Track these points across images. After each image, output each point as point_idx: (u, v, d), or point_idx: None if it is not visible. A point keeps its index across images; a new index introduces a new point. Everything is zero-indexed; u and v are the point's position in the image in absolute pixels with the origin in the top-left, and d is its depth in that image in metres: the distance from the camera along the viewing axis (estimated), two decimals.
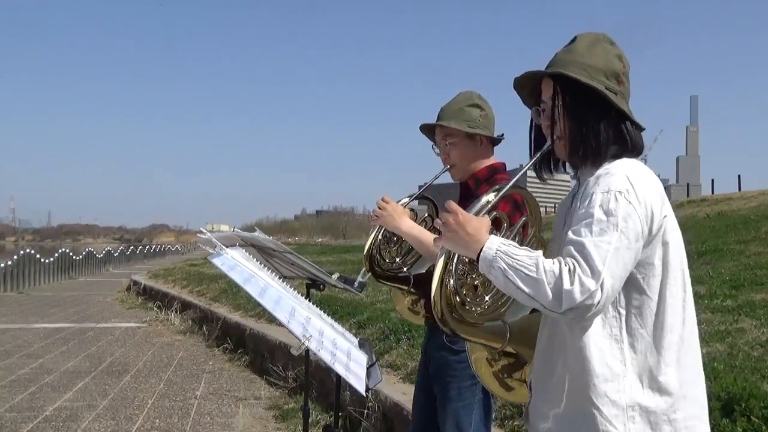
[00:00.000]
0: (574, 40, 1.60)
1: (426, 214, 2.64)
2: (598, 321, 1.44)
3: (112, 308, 13.61)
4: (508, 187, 1.60)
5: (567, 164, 1.66)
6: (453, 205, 1.51)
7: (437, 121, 2.46)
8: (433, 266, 1.54)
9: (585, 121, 1.53)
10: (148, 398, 6.01)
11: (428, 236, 2.34)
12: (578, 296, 1.32)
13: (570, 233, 1.41)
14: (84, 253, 27.81)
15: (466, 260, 1.54)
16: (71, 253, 25.78)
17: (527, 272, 1.37)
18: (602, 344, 1.44)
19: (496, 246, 1.43)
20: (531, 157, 1.67)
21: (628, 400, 1.42)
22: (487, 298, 1.61)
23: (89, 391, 6.25)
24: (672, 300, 1.47)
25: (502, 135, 2.50)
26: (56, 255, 23.32)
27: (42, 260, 21.47)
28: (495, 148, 2.53)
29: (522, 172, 1.65)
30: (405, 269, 2.55)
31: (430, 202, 2.70)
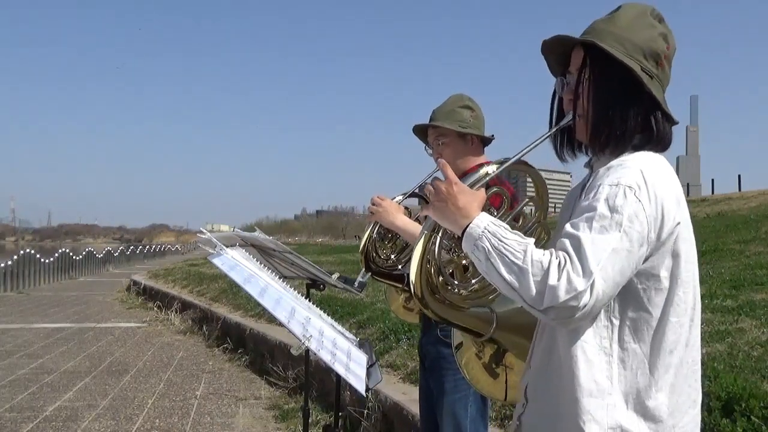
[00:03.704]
0: (618, 9, 1.42)
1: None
2: (590, 330, 1.30)
3: (112, 308, 13.61)
4: (512, 160, 1.44)
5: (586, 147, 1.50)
6: (450, 172, 1.37)
7: (430, 122, 2.54)
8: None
9: (612, 102, 1.36)
10: (148, 398, 6.01)
11: None
12: (562, 294, 1.18)
13: (568, 225, 1.27)
14: (84, 253, 27.80)
15: (454, 236, 1.38)
16: (71, 253, 25.77)
17: (513, 258, 1.23)
18: (592, 356, 1.30)
19: (485, 224, 1.29)
20: (549, 131, 1.50)
21: (610, 420, 1.28)
22: (473, 281, 1.48)
23: (89, 391, 6.25)
24: (677, 319, 1.31)
25: (493, 135, 2.57)
26: (56, 255, 23.32)
27: (42, 260, 21.47)
28: (486, 149, 2.60)
29: (532, 144, 1.44)
30: (399, 267, 2.60)
31: (424, 201, 2.76)
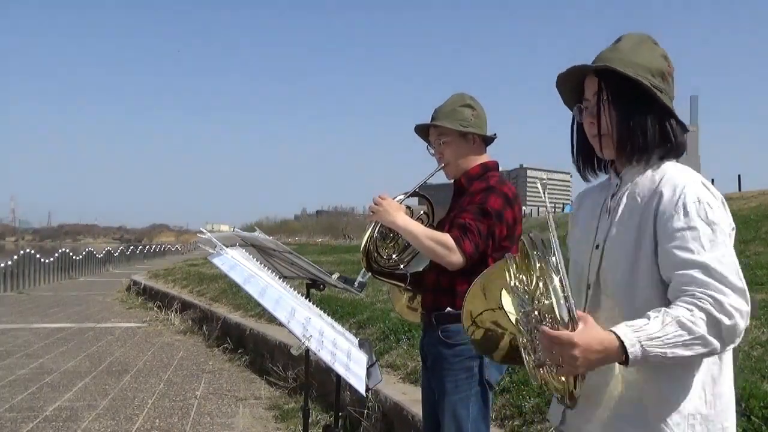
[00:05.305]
0: (619, 39, 1.58)
1: (422, 212, 2.71)
2: None
3: (112, 308, 13.62)
4: (554, 245, 1.39)
5: (608, 164, 1.61)
6: (563, 335, 1.28)
7: (431, 121, 2.54)
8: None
9: (631, 115, 1.50)
10: (148, 398, 6.01)
11: (423, 231, 2.42)
12: (742, 324, 1.31)
13: (679, 252, 1.37)
14: (84, 253, 27.81)
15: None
16: (71, 253, 25.78)
17: (681, 340, 1.30)
18: None
19: (634, 341, 1.30)
20: (573, 156, 1.64)
21: (690, 408, 1.41)
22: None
23: (89, 391, 6.25)
24: None
25: (495, 134, 2.58)
26: (56, 255, 23.32)
27: (42, 260, 21.47)
28: (489, 148, 2.60)
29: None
30: (402, 266, 2.60)
31: (426, 200, 2.78)
